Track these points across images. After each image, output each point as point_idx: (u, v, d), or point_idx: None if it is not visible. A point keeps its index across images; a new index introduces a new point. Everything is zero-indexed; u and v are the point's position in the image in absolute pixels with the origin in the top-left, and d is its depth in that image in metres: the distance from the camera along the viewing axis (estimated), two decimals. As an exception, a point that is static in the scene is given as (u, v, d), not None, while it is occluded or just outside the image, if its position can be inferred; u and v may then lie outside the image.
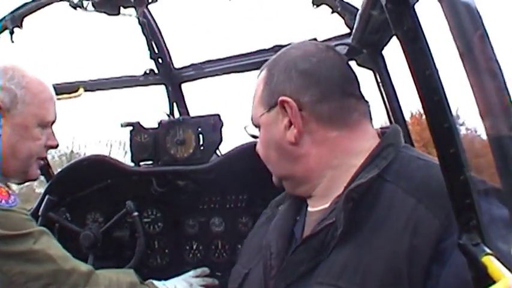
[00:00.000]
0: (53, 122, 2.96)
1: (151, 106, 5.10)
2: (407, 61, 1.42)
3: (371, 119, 2.17)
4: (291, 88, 2.08)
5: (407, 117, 3.37)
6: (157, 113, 4.19)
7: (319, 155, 2.07)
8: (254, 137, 2.39)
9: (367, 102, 2.18)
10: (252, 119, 2.31)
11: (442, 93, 1.36)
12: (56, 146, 2.97)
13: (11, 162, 2.76)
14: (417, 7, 1.45)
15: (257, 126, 2.28)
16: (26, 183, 3.16)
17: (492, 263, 1.27)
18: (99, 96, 4.76)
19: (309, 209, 2.19)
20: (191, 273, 3.58)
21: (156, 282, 3.23)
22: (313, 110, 2.05)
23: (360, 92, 2.17)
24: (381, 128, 2.21)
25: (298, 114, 2.05)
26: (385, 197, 1.86)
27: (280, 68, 2.16)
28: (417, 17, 1.41)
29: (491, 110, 1.17)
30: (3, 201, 2.52)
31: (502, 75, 1.19)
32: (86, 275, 2.71)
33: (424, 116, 1.46)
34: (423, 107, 1.40)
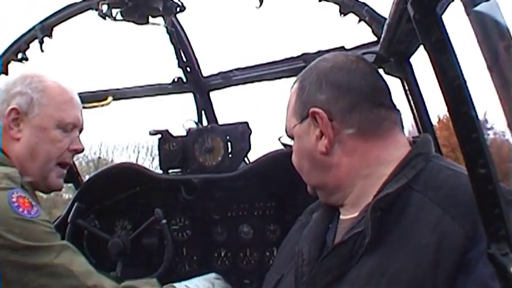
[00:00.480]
0: (77, 126, 2.96)
1: (179, 113, 5.12)
2: (435, 72, 1.42)
3: (402, 127, 2.18)
4: (322, 99, 2.11)
5: (434, 121, 3.35)
6: (185, 120, 4.20)
7: (350, 164, 2.09)
8: (285, 145, 2.42)
9: (398, 111, 2.19)
10: (286, 130, 2.34)
11: (471, 104, 1.36)
12: (81, 151, 2.97)
13: (29, 165, 2.78)
14: (444, 18, 1.46)
15: (291, 137, 2.31)
16: None
17: (521, 273, 1.27)
18: (126, 102, 4.78)
19: (341, 217, 2.21)
20: (213, 274, 3.56)
21: (177, 284, 3.17)
22: (343, 120, 2.07)
23: (391, 101, 2.18)
24: (412, 137, 2.22)
25: (329, 125, 2.07)
26: (412, 206, 1.87)
27: (311, 80, 2.18)
28: (445, 28, 1.41)
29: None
30: (25, 212, 2.50)
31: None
32: None
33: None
34: (451, 118, 1.40)
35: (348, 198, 2.14)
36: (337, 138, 2.08)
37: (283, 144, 2.45)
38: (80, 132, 2.99)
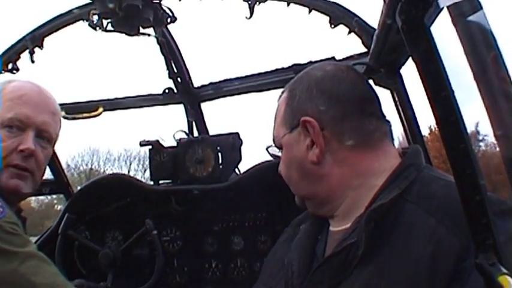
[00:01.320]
0: (28, 126, 2.65)
1: (171, 123, 5.12)
2: (422, 82, 1.42)
3: (392, 138, 2.17)
4: (313, 108, 2.09)
5: (426, 133, 3.36)
6: (176, 131, 4.20)
7: (340, 174, 2.07)
8: (274, 156, 2.38)
9: (388, 122, 2.18)
10: (274, 140, 2.31)
11: (458, 114, 1.36)
12: (26, 150, 2.62)
13: None
14: (433, 29, 1.47)
15: (279, 147, 2.27)
16: (45, 200, 2.99)
17: (508, 282, 1.27)
18: (119, 113, 4.78)
19: (331, 228, 2.18)
20: None
21: None
22: (335, 130, 2.05)
23: (381, 111, 2.17)
24: (402, 148, 2.21)
25: (320, 134, 2.05)
26: (406, 217, 1.85)
27: (301, 89, 2.16)
28: (433, 39, 1.42)
29: (506, 131, 1.17)
30: None
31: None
32: None
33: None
34: (439, 128, 1.41)
35: (338, 209, 2.11)
36: (328, 148, 2.06)
37: (271, 155, 2.41)
38: (47, 137, 2.75)
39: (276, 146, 2.30)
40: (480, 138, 40.26)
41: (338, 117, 2.06)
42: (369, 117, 2.10)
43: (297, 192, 2.27)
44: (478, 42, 1.24)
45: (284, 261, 2.27)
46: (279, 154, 2.29)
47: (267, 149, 2.41)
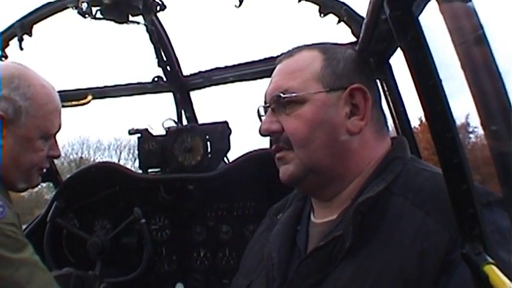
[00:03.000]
0: (57, 132, 2.86)
1: (160, 111, 5.11)
2: (410, 71, 1.42)
3: None
4: (362, 81, 2.08)
5: (417, 124, 3.37)
6: (165, 119, 4.19)
7: (362, 156, 2.05)
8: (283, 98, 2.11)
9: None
10: (285, 91, 2.10)
11: (445, 103, 1.36)
12: (58, 156, 2.92)
13: (12, 172, 2.67)
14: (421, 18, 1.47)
15: (298, 101, 2.07)
16: (35, 189, 3.06)
17: (494, 272, 1.27)
18: (109, 102, 4.76)
19: (314, 220, 2.17)
20: None
21: None
22: (371, 110, 2.07)
23: None
24: (390, 138, 2.21)
25: (371, 109, 2.05)
26: (393, 209, 1.85)
27: (346, 57, 2.14)
28: (421, 28, 1.41)
29: (492, 120, 1.17)
30: None
31: (504, 86, 1.20)
32: None
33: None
34: (426, 117, 1.40)
35: (341, 193, 2.07)
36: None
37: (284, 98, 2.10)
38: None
39: (284, 97, 2.09)
40: (470, 130, 40.22)
41: (373, 100, 2.09)
42: (382, 111, 2.19)
43: (310, 160, 2.07)
44: (466, 31, 1.24)
45: (263, 253, 2.26)
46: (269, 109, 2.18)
47: (283, 96, 2.10)
